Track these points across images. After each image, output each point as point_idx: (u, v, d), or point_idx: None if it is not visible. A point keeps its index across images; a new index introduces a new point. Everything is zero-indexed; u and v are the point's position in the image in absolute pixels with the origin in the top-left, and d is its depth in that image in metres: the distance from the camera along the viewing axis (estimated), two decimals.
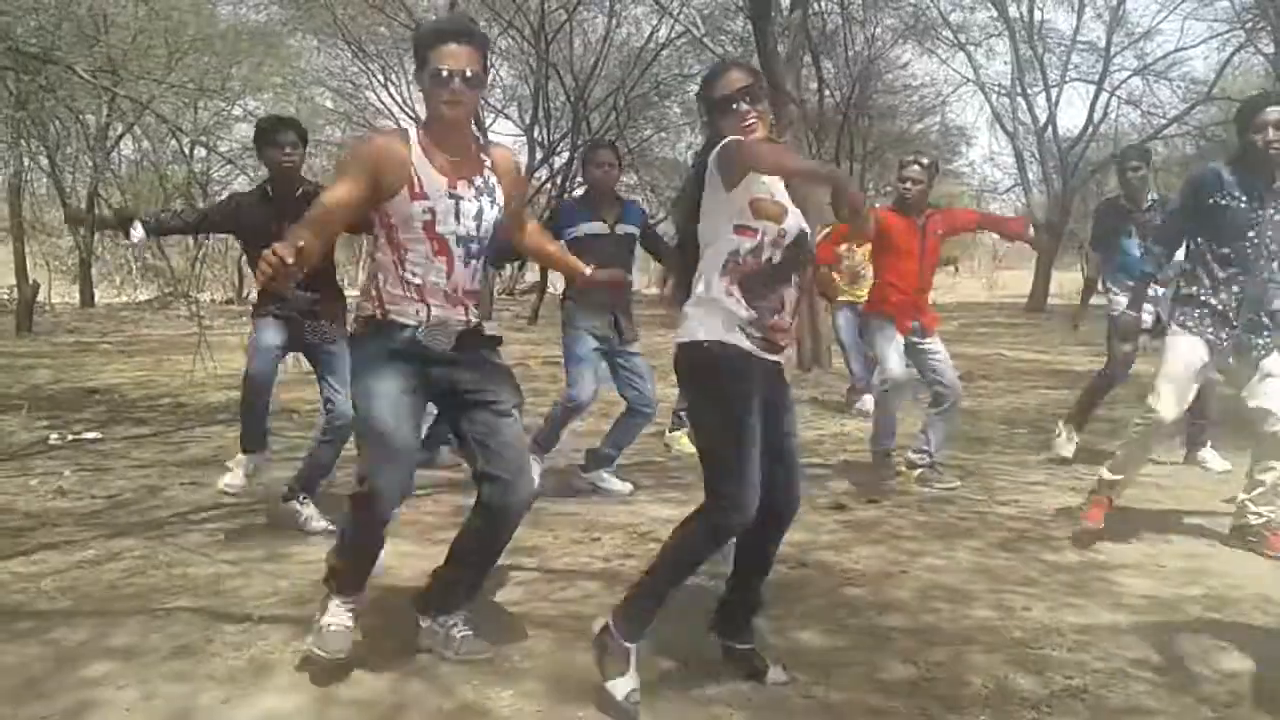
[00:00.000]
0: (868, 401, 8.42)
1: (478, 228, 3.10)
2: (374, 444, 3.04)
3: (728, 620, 3.18)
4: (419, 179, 2.99)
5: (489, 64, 3.07)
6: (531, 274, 28.57)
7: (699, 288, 2.96)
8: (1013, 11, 26.20)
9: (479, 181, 3.11)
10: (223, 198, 5.09)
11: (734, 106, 2.92)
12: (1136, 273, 4.78)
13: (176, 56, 16.14)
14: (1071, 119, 44.82)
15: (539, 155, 24.59)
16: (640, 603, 2.97)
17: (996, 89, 29.08)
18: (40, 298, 19.02)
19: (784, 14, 13.44)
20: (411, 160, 2.99)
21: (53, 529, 4.83)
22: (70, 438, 7.18)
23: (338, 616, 3.15)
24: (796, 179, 2.93)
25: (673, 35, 22.56)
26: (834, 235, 6.47)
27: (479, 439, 3.13)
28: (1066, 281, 34.77)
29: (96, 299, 25.15)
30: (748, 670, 3.11)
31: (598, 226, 5.43)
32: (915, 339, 5.68)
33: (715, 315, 2.90)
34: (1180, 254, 4.66)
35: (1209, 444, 6.30)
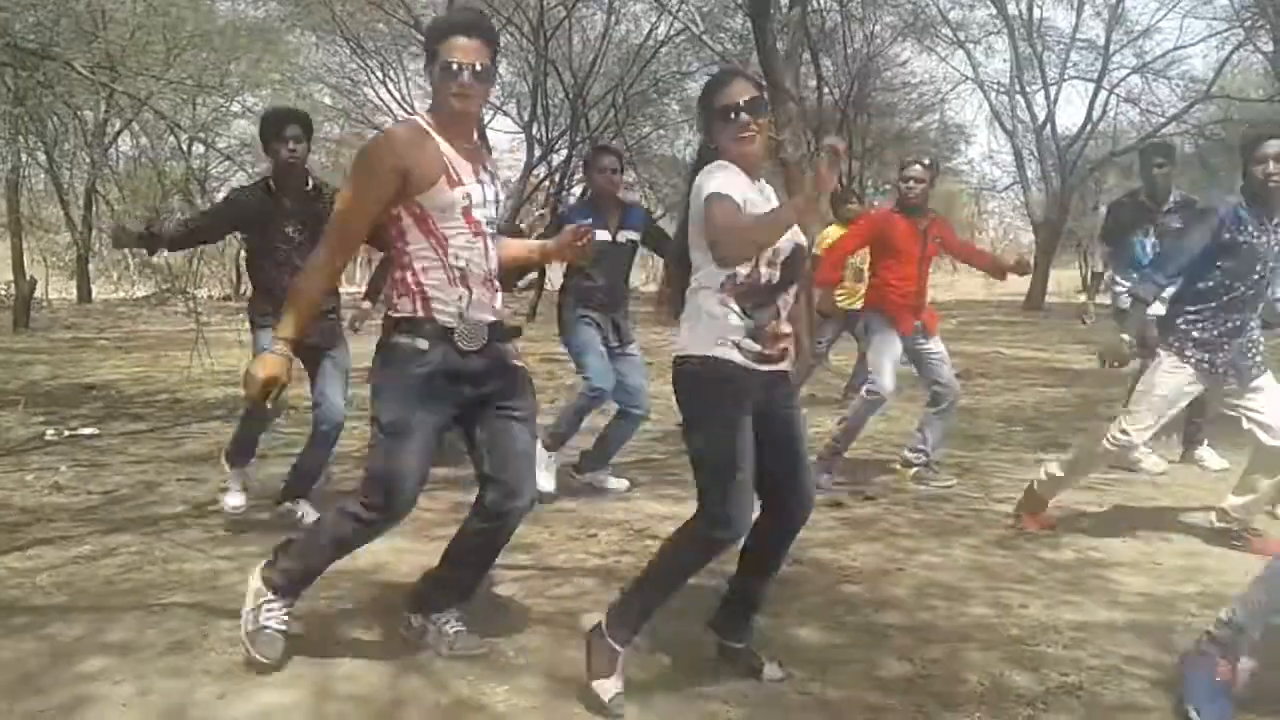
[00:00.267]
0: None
1: (495, 211, 3.11)
2: (390, 477, 3.01)
3: (727, 618, 3.18)
4: (453, 167, 2.96)
5: (497, 59, 3.05)
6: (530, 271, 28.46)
7: (696, 299, 2.95)
8: (1012, 9, 26.24)
9: (488, 167, 3.13)
10: (221, 198, 4.99)
11: (734, 116, 2.90)
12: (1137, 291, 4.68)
13: (175, 52, 16.09)
14: (1070, 117, 45.00)
15: (537, 153, 24.58)
16: (631, 608, 2.98)
17: (995, 87, 29.15)
18: (38, 294, 19.01)
19: (783, 11, 13.41)
20: (441, 149, 2.96)
21: (49, 524, 4.83)
22: (67, 433, 7.18)
23: (277, 620, 3.15)
24: (767, 247, 2.88)
25: (672, 32, 22.55)
26: (835, 251, 6.42)
27: (488, 442, 3.12)
28: (1064, 280, 34.85)
29: (94, 295, 25.13)
30: (744, 668, 3.11)
31: (600, 236, 5.27)
32: (919, 340, 5.67)
33: (708, 329, 2.89)
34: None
35: (1206, 442, 6.31)
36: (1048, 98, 27.68)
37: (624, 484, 5.62)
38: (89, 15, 10.44)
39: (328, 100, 25.84)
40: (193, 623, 3.52)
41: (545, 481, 5.08)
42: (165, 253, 4.75)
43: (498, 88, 25.19)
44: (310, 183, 4.77)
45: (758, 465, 2.91)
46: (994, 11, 26.15)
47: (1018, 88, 27.97)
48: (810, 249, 3.15)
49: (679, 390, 2.98)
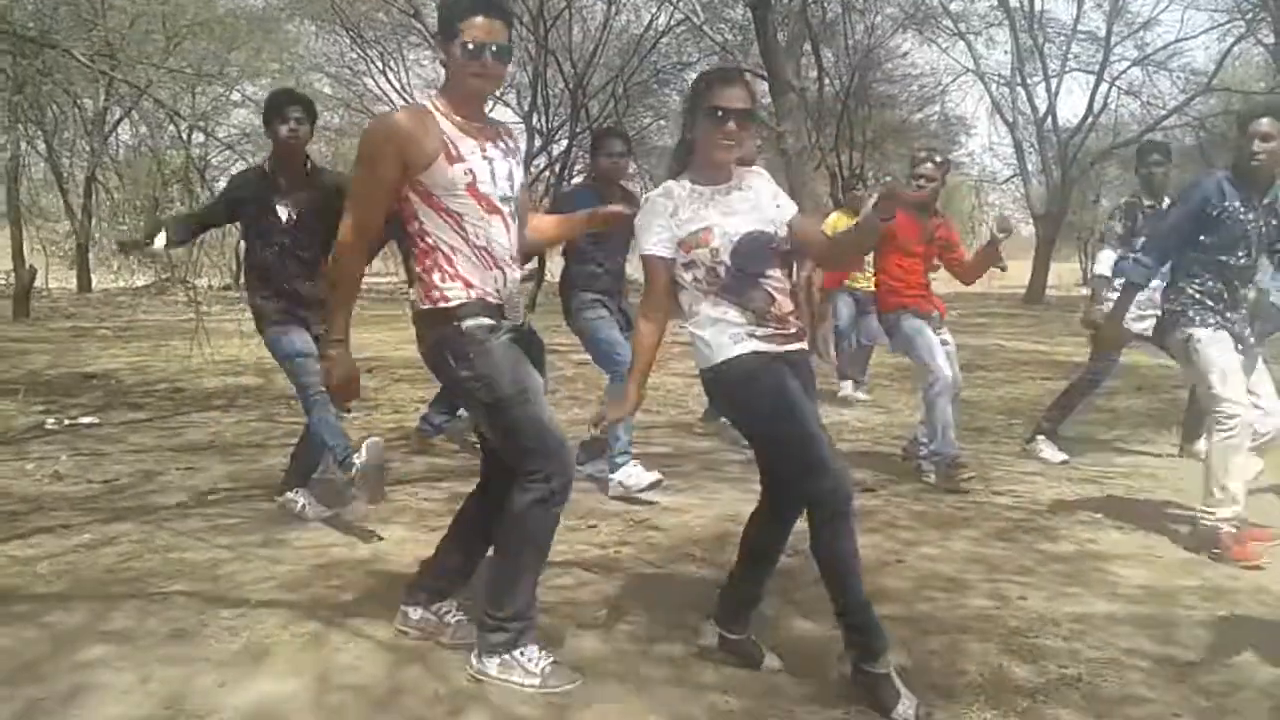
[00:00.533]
0: (847, 387, 8.46)
1: (512, 188, 3.05)
2: (543, 437, 2.92)
3: (727, 609, 3.18)
4: (451, 143, 2.93)
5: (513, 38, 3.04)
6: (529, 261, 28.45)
7: (690, 312, 3.02)
8: (1013, 1, 26.14)
9: (503, 144, 3.09)
10: (222, 188, 4.92)
11: (724, 123, 2.93)
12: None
13: (174, 41, 16.08)
14: (1071, 109, 44.86)
15: (537, 143, 24.52)
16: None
17: (996, 78, 29.05)
18: (38, 283, 18.97)
19: (784, 2, 13.40)
20: (441, 127, 2.93)
21: (49, 513, 4.82)
22: (67, 422, 7.18)
23: (542, 658, 2.99)
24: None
25: (672, 22, 22.50)
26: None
27: None
28: (1065, 273, 34.83)
29: (94, 284, 25.09)
30: (745, 658, 3.12)
31: None
32: (933, 326, 5.63)
33: (717, 333, 2.95)
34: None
35: (1205, 436, 6.26)
36: (1049, 90, 27.63)
37: (654, 475, 5.51)
38: (88, 3, 10.44)
39: (327, 90, 25.78)
40: (193, 612, 3.53)
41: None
42: (161, 239, 4.69)
43: None
44: (309, 166, 4.74)
45: (762, 453, 3.02)
46: (995, 3, 26.06)
47: (1018, 79, 27.90)
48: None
49: (723, 399, 3.07)
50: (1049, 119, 27.61)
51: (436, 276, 2.95)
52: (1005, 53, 29.59)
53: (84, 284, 24.66)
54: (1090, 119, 27.58)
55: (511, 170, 3.06)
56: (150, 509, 4.90)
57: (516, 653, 2.96)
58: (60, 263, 26.76)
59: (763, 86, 12.92)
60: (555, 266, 6.56)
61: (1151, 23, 31.64)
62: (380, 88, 26.73)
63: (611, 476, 5.25)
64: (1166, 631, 3.45)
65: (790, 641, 3.33)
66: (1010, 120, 29.40)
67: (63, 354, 11.64)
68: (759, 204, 3.03)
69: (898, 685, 2.83)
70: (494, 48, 2.91)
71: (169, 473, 5.72)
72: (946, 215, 6.03)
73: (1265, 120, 4.28)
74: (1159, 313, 4.63)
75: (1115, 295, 4.91)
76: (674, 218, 2.97)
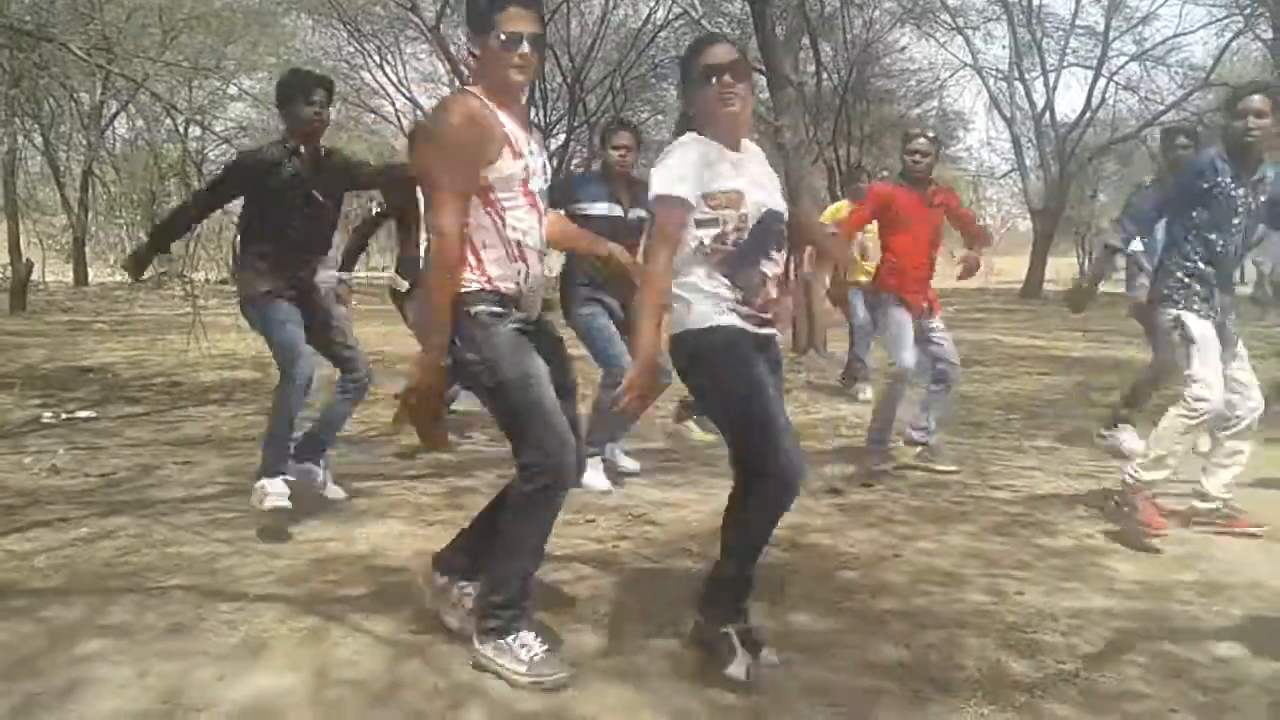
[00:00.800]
0: (867, 390, 8.45)
1: (545, 182, 3.09)
2: (544, 429, 2.89)
3: (716, 600, 3.15)
4: (514, 137, 2.94)
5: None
6: None
7: (681, 276, 2.98)
8: None
9: (537, 137, 3.11)
10: (225, 167, 4.74)
11: (716, 79, 2.94)
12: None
13: (171, 35, 16.07)
14: (1069, 104, 44.90)
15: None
16: (721, 591, 3.07)
17: (994, 73, 29.12)
18: (34, 276, 18.96)
19: None
20: (499, 120, 2.93)
21: (46, 507, 4.82)
22: (64, 416, 7.17)
23: (535, 645, 2.96)
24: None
25: (670, 17, 22.53)
26: (846, 226, 6.38)
27: None
28: (1063, 268, 34.85)
29: (90, 278, 25.09)
30: (746, 649, 3.06)
31: (612, 208, 5.22)
32: (924, 320, 5.66)
33: (703, 301, 2.95)
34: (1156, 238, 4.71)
35: (1128, 424, 6.17)
36: (1047, 85, 27.70)
37: (634, 465, 5.58)
38: None
39: None
40: (191, 606, 3.52)
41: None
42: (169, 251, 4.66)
43: None
44: (323, 149, 4.65)
45: (721, 423, 3.05)
46: None
47: (1017, 74, 27.95)
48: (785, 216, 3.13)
49: (690, 366, 3.02)
50: (1047, 114, 27.69)
51: (470, 255, 2.95)
52: (1003, 47, 29.71)
53: (80, 278, 24.67)
54: (1088, 114, 27.64)
55: (546, 165, 3.10)
56: (148, 503, 4.90)
57: (510, 639, 2.97)
58: (57, 256, 26.76)
59: (761, 80, 12.92)
60: (553, 263, 6.55)
61: (1150, 18, 31.78)
62: (377, 81, 26.77)
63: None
64: (1164, 627, 3.45)
65: (788, 637, 3.33)
66: (1008, 115, 29.45)
67: (59, 348, 11.64)
68: (774, 181, 3.07)
69: (735, 643, 2.97)
70: (530, 37, 2.92)
71: (166, 467, 5.72)
72: (945, 184, 6.08)
73: (1258, 97, 4.32)
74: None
75: (1145, 281, 4.98)
76: (708, 168, 2.93)
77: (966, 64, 28.70)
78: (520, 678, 2.90)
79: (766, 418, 2.90)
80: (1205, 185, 4.36)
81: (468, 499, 5.05)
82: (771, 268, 3.01)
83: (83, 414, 7.28)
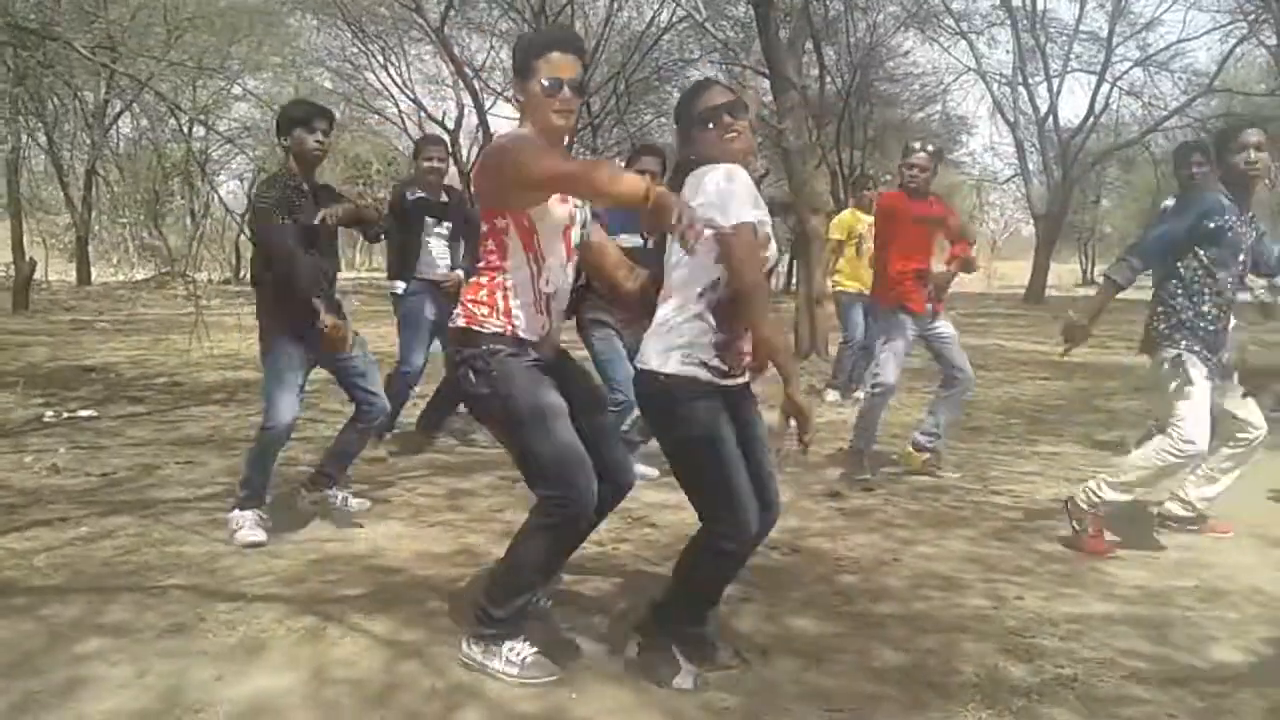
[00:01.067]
0: (833, 394, 8.47)
1: (583, 233, 3.09)
2: (559, 460, 2.88)
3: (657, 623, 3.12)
4: None
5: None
6: None
7: (668, 307, 2.93)
8: (1015, 0, 26.14)
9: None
10: (264, 203, 4.48)
11: (718, 119, 2.93)
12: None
13: (176, 34, 16.11)
14: (1072, 109, 44.85)
15: None
16: (664, 618, 3.05)
17: (998, 78, 29.12)
18: (37, 275, 18.97)
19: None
20: None
21: (47, 506, 4.82)
22: (66, 415, 7.18)
23: (527, 651, 2.99)
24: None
25: (674, 19, 22.47)
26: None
27: (592, 443, 3.00)
28: (1065, 273, 34.89)
29: (93, 277, 25.10)
30: (700, 654, 3.06)
31: (635, 240, 4.96)
32: (929, 324, 5.65)
33: (679, 343, 2.88)
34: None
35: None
36: (1050, 90, 27.72)
37: (653, 472, 5.52)
38: None
39: (328, 84, 25.83)
40: (190, 606, 3.53)
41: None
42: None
43: (499, 74, 25.18)
44: (319, 183, 4.62)
45: (678, 474, 2.99)
46: (997, 2, 26.16)
47: (1020, 79, 27.96)
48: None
49: (651, 409, 2.99)
50: (1050, 119, 27.67)
51: (485, 310, 2.95)
52: (1007, 52, 29.77)
53: (84, 277, 24.67)
54: (1092, 119, 27.63)
55: (585, 219, 3.09)
56: (148, 503, 4.90)
57: (500, 644, 2.98)
58: (60, 255, 26.80)
59: (764, 84, 12.93)
60: None
61: (1154, 23, 31.72)
62: (381, 82, 26.73)
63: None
64: (1162, 632, 3.45)
65: (787, 640, 3.33)
66: (1011, 120, 29.47)
67: (62, 347, 11.65)
68: None
69: (677, 657, 2.97)
70: (570, 82, 2.93)
71: (167, 467, 5.72)
72: (940, 196, 6.06)
73: (1254, 131, 4.27)
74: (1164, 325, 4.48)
75: None
76: (756, 204, 2.89)
77: (970, 69, 28.73)
78: (512, 680, 2.92)
79: (723, 479, 2.85)
80: (1213, 225, 4.27)
81: (466, 500, 5.06)
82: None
83: (84, 413, 7.29)
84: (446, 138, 19.42)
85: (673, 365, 2.87)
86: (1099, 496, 4.36)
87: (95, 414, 7.29)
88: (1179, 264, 4.39)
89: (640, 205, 2.64)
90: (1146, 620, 3.57)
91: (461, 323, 2.98)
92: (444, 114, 26.86)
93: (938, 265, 5.85)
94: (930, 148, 5.79)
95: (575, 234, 3.05)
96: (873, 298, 6.08)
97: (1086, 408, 8.50)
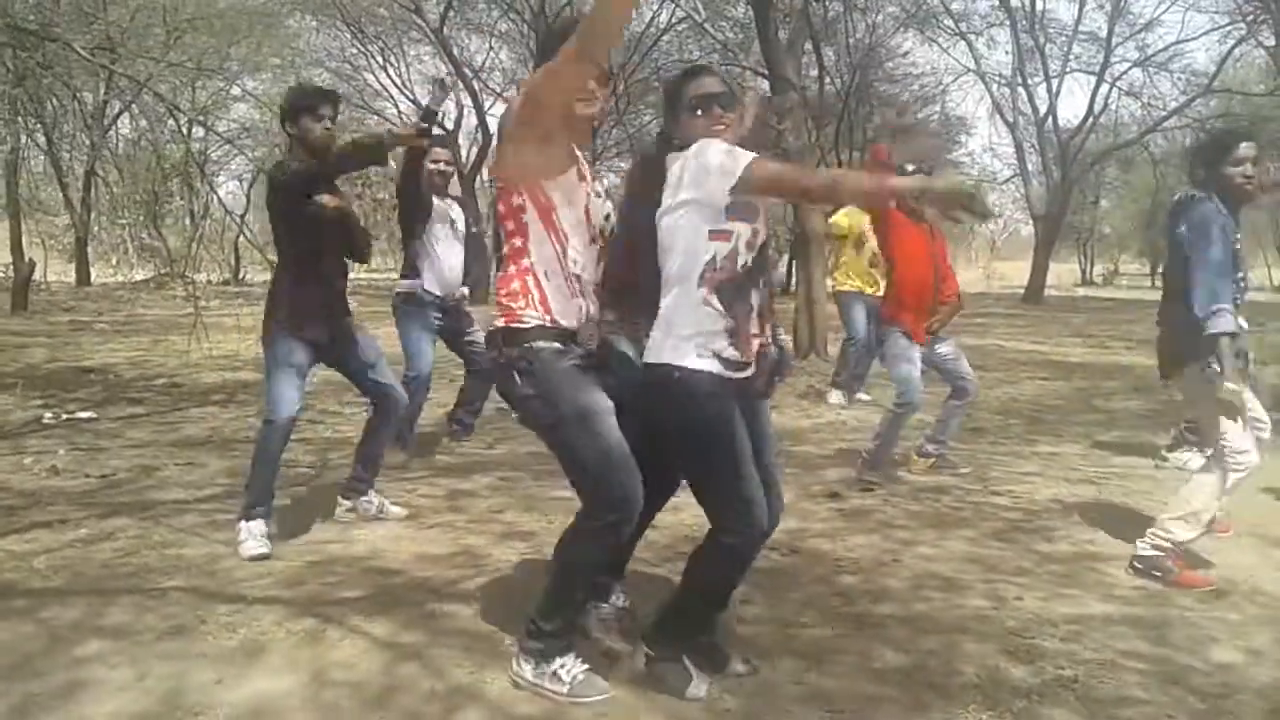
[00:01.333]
0: (835, 396, 8.47)
1: (607, 227, 3.03)
2: (604, 463, 2.83)
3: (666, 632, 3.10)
4: (582, 163, 2.94)
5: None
6: None
7: (670, 299, 2.87)
8: (1014, 1, 26.15)
9: (602, 186, 3.07)
10: (297, 166, 4.43)
11: (708, 108, 2.91)
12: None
13: (175, 35, 16.08)
14: (1072, 109, 44.88)
15: None
16: (674, 626, 3.02)
17: (997, 79, 29.09)
18: (36, 276, 18.98)
19: (785, 0, 13.39)
20: (570, 143, 2.92)
21: (46, 508, 4.82)
22: (65, 417, 7.18)
23: (578, 667, 2.94)
24: (816, 198, 2.84)
25: (674, 20, 22.51)
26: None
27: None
28: (1064, 274, 34.90)
29: (93, 278, 25.11)
30: (711, 662, 3.05)
31: None
32: (932, 349, 5.65)
33: (687, 333, 2.81)
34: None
35: (1193, 450, 6.10)
36: (1049, 90, 27.67)
37: None
38: None
39: (328, 85, 25.81)
40: (190, 607, 3.53)
41: None
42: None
43: (499, 74, 25.20)
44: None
45: (688, 473, 2.95)
46: (996, 3, 26.12)
47: (1019, 80, 27.93)
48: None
49: (660, 403, 2.87)
50: (1049, 119, 27.65)
51: (521, 302, 2.90)
52: (1006, 53, 29.79)
53: (83, 277, 24.69)
54: (1091, 120, 27.62)
55: (609, 214, 3.04)
56: (148, 504, 4.90)
57: (551, 662, 2.92)
58: (59, 256, 26.82)
59: (764, 85, 12.93)
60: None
61: (1153, 24, 31.69)
62: (380, 83, 26.78)
63: None
64: (1162, 633, 3.45)
65: (787, 642, 3.33)
66: (1011, 120, 29.45)
67: (61, 348, 11.64)
68: None
69: (688, 668, 2.95)
70: (596, 77, 2.89)
71: (167, 468, 5.72)
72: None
73: (1248, 144, 4.14)
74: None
75: None
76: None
77: (969, 69, 28.69)
78: (562, 699, 2.87)
79: (736, 476, 2.82)
80: (1224, 231, 4.10)
81: (466, 502, 5.06)
82: (759, 300, 2.91)
83: (83, 415, 7.29)
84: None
85: (689, 359, 2.80)
86: (1173, 539, 4.09)
87: (94, 415, 7.29)
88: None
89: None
90: (1146, 621, 3.57)
91: (501, 323, 2.93)
92: (443, 115, 26.87)
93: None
94: (927, 169, 5.70)
95: (598, 217, 2.98)
96: (881, 318, 6.00)
97: (1086, 408, 8.49)
